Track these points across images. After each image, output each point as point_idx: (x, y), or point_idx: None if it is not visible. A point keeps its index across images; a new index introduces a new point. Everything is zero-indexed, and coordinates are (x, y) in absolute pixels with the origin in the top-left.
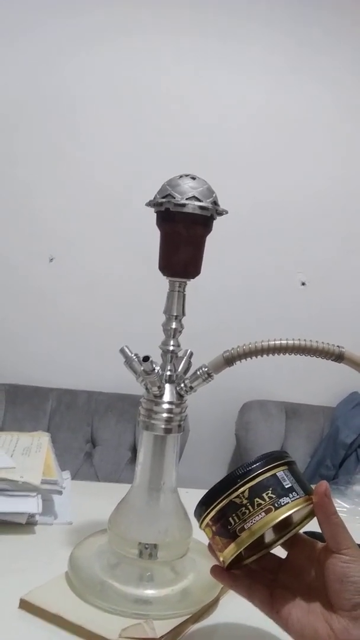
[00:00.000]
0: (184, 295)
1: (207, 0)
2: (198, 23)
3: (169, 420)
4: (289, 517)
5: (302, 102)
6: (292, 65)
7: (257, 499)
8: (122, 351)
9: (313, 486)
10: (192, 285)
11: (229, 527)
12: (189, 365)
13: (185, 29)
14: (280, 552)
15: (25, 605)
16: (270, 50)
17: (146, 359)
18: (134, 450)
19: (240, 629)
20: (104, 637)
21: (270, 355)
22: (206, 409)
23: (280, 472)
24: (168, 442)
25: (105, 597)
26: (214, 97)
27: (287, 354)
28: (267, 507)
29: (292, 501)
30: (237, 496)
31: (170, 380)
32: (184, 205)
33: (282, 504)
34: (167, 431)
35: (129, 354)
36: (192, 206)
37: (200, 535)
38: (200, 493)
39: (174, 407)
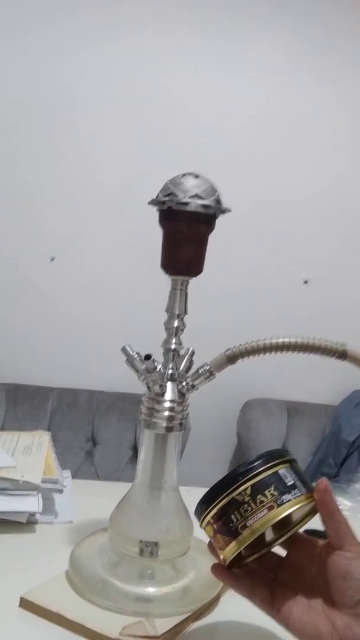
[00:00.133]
0: (186, 294)
1: (207, 0)
2: (198, 23)
3: (170, 419)
4: (290, 515)
5: (303, 102)
6: (293, 65)
7: (260, 497)
8: (123, 350)
9: (314, 484)
10: (194, 284)
11: (231, 524)
12: (190, 363)
13: (186, 29)
14: (280, 551)
15: (25, 604)
16: (271, 50)
17: (148, 357)
18: (135, 449)
19: (241, 627)
20: (105, 635)
21: (273, 353)
22: (208, 407)
23: (282, 470)
24: (169, 441)
25: (106, 595)
26: (215, 97)
27: (290, 352)
28: (270, 505)
29: (294, 498)
30: (239, 494)
31: (172, 378)
32: (186, 203)
33: (285, 501)
34: (169, 429)
35: (131, 352)
36: (194, 204)
37: (201, 534)
38: (202, 491)
39: (175, 405)
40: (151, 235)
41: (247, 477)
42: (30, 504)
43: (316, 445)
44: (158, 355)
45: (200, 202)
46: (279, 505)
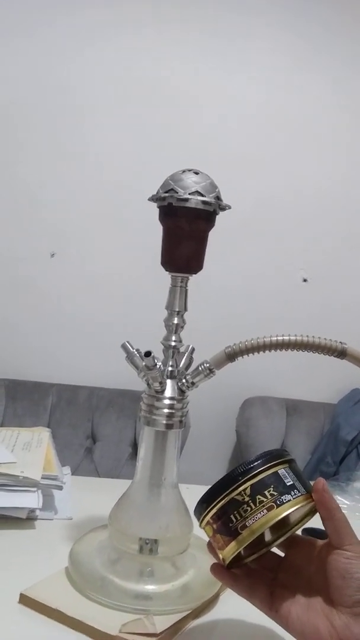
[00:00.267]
0: (186, 291)
1: None
2: (199, 22)
3: (170, 416)
4: (289, 515)
5: (303, 102)
6: (293, 65)
7: (259, 497)
8: (123, 347)
9: (312, 483)
10: (194, 281)
11: (230, 524)
12: (190, 360)
13: (187, 28)
14: (279, 551)
15: (25, 600)
16: (271, 50)
17: (148, 354)
18: (135, 446)
19: (240, 624)
20: (104, 632)
21: (273, 351)
22: (207, 404)
23: (281, 470)
24: (169, 438)
25: (106, 592)
26: (215, 96)
27: (289, 350)
28: (269, 505)
29: (293, 499)
30: (239, 494)
31: (171, 375)
32: (186, 200)
33: (284, 501)
34: (169, 427)
35: (131, 349)
36: (195, 201)
37: (201, 531)
38: (201, 489)
39: (175, 402)
40: (152, 232)
41: (246, 477)
42: (30, 500)
43: (315, 443)
44: (158, 352)
45: (200, 198)
46: (278, 506)
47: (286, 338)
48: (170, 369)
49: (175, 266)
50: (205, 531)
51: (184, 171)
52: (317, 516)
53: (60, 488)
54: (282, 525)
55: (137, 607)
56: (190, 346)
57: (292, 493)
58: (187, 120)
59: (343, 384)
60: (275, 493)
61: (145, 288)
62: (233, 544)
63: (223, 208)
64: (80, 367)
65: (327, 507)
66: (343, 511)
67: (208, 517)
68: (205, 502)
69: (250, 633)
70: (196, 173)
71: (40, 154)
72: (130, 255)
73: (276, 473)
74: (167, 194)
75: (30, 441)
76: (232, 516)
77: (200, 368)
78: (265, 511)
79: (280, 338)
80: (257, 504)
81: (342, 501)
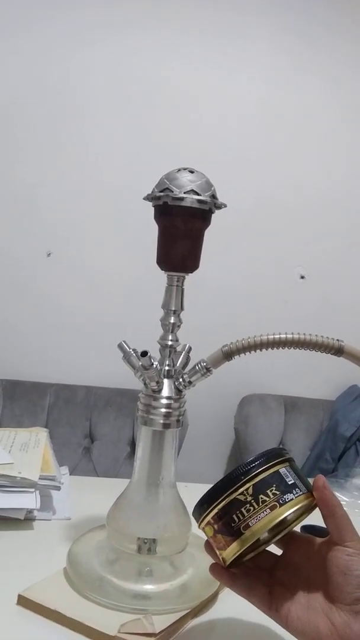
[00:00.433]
0: (182, 290)
1: None
2: (199, 21)
3: (167, 415)
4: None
5: (303, 101)
6: (294, 64)
7: (262, 496)
8: (120, 346)
9: (311, 480)
10: (190, 280)
11: (233, 524)
12: (187, 359)
13: (186, 27)
14: (275, 549)
15: (23, 601)
16: (271, 50)
17: (144, 354)
18: (133, 445)
19: (239, 623)
20: (103, 632)
21: (270, 349)
22: (205, 403)
23: (282, 469)
24: (167, 437)
25: (104, 592)
26: (215, 95)
27: (286, 348)
28: (272, 504)
29: (295, 497)
30: (241, 493)
31: (168, 375)
32: (182, 198)
33: (287, 500)
34: (166, 426)
35: (127, 349)
36: (190, 200)
37: (199, 530)
38: (199, 487)
39: (172, 402)
40: (149, 231)
41: (248, 476)
42: (28, 500)
43: (313, 440)
44: (155, 352)
45: (195, 197)
46: (281, 505)
47: (283, 336)
48: (167, 368)
49: (171, 265)
50: (205, 532)
51: (179, 170)
52: (315, 513)
53: (58, 489)
54: (280, 523)
55: (135, 607)
56: (187, 345)
57: (294, 492)
58: (186, 120)
59: (341, 380)
60: (278, 492)
61: (142, 287)
62: (235, 543)
63: (219, 207)
64: (77, 366)
65: (328, 504)
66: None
67: (209, 518)
68: (205, 503)
69: (249, 632)
70: (191, 172)
71: (39, 154)
72: (128, 255)
73: (277, 472)
74: (162, 193)
75: (27, 442)
76: (234, 516)
77: (197, 367)
78: (268, 510)
79: (277, 336)
80: (260, 504)
81: (341, 498)
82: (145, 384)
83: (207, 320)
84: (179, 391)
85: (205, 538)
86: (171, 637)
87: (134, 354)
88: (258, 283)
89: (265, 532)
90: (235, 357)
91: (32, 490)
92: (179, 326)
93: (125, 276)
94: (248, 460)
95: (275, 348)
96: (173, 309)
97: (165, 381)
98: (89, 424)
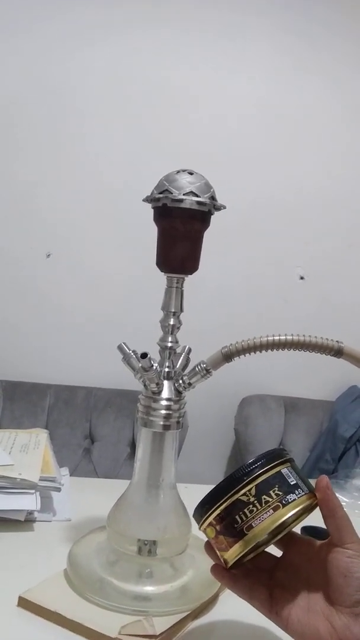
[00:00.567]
0: (181, 292)
1: None
2: (198, 21)
3: (167, 417)
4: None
5: (303, 101)
6: (294, 63)
7: (265, 497)
8: (120, 348)
9: (312, 482)
10: (190, 282)
11: (235, 525)
12: (187, 361)
13: (186, 27)
14: (274, 550)
15: (23, 603)
16: (271, 49)
17: (144, 355)
18: (133, 446)
19: (239, 625)
20: (104, 634)
21: (269, 350)
22: (205, 404)
23: (284, 469)
24: (167, 439)
25: (105, 594)
26: (214, 95)
27: (286, 350)
28: (275, 505)
29: (298, 498)
30: (244, 494)
31: (168, 376)
32: (181, 200)
33: (290, 500)
34: (166, 428)
35: (127, 350)
36: (189, 201)
37: (199, 532)
38: (200, 488)
39: (172, 403)
40: (148, 233)
41: (250, 477)
42: (28, 502)
43: (313, 441)
44: (154, 354)
45: (195, 199)
46: (284, 505)
47: (282, 338)
48: (166, 370)
49: (171, 267)
50: (207, 533)
51: (178, 171)
52: (315, 515)
53: (58, 490)
54: (283, 524)
55: (136, 608)
56: (187, 347)
57: (297, 492)
58: (186, 120)
59: (341, 381)
60: (280, 493)
61: (142, 289)
62: (238, 545)
63: (218, 208)
64: (77, 367)
65: (329, 504)
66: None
67: (210, 519)
68: (207, 504)
69: (249, 633)
70: (190, 173)
71: (38, 154)
72: (128, 256)
73: (279, 473)
74: (161, 195)
75: (28, 443)
76: (237, 517)
77: (197, 369)
78: (271, 511)
79: (276, 338)
80: (263, 504)
81: (342, 498)
82: (145, 385)
83: (206, 322)
84: (178, 393)
85: (206, 539)
86: (171, 639)
87: (134, 356)
88: (257, 284)
89: (267, 533)
90: (234, 358)
91: (33, 491)
92: (178, 328)
93: (125, 277)
94: (249, 461)
95: (274, 349)
96: (173, 310)
97: (165, 383)
98: (89, 425)
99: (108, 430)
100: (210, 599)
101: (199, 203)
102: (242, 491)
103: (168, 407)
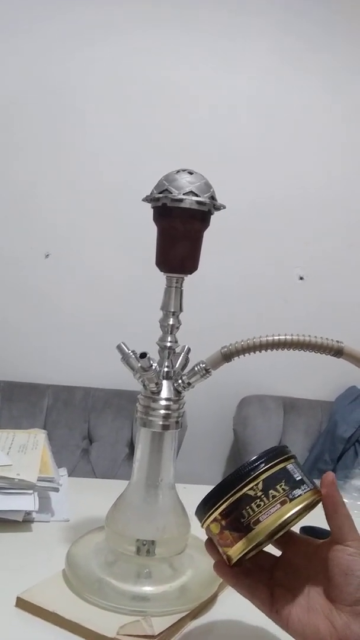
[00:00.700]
0: (181, 291)
1: None
2: (197, 20)
3: (166, 417)
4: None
5: (303, 100)
6: (293, 63)
7: (272, 491)
8: (118, 348)
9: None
10: (189, 281)
11: (242, 520)
12: (186, 361)
13: (187, 26)
14: (273, 550)
15: (22, 603)
16: (270, 49)
17: (143, 355)
18: (131, 447)
19: (238, 625)
20: (102, 634)
21: (269, 350)
22: (204, 404)
23: (289, 465)
24: (166, 439)
25: (103, 594)
26: (213, 95)
27: (285, 350)
28: (282, 499)
29: (304, 493)
30: (251, 488)
31: (167, 376)
32: (181, 200)
33: (296, 495)
34: (165, 428)
35: (126, 350)
36: (189, 201)
37: (198, 531)
38: (199, 488)
39: (171, 403)
40: (148, 232)
41: (258, 472)
42: (27, 502)
43: (312, 441)
44: (154, 353)
45: (194, 198)
46: (291, 500)
47: (282, 337)
48: (166, 369)
49: (170, 267)
50: (210, 529)
51: (178, 171)
52: (314, 514)
53: (56, 490)
54: (290, 519)
55: (134, 608)
56: (186, 346)
57: (302, 487)
58: (186, 119)
59: (340, 381)
60: (287, 487)
61: (141, 288)
62: (244, 539)
63: (218, 208)
64: (76, 367)
65: (333, 501)
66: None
67: (216, 514)
68: (213, 498)
69: (248, 633)
70: (190, 173)
71: (38, 154)
72: (127, 256)
73: (285, 468)
74: (161, 195)
75: (26, 443)
76: (244, 511)
77: (196, 368)
78: (278, 505)
79: (276, 338)
80: (270, 499)
81: None
82: (144, 385)
83: (206, 322)
84: (178, 392)
85: (206, 539)
86: (170, 639)
87: (133, 356)
88: (257, 284)
89: (274, 528)
90: (234, 358)
91: (31, 491)
92: (178, 327)
93: (124, 277)
94: (254, 457)
95: (274, 349)
96: (172, 310)
97: (165, 382)
98: (88, 426)
99: (106, 430)
100: (209, 599)
101: (198, 203)
102: (249, 485)
103: (167, 407)
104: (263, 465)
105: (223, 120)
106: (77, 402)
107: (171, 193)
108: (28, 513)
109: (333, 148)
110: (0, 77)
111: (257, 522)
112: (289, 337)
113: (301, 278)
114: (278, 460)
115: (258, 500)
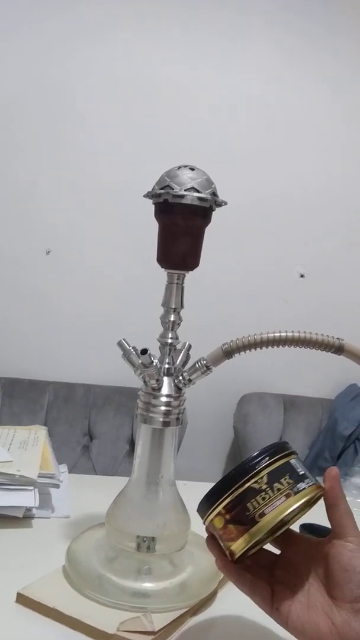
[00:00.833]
0: (182, 288)
1: None
2: (197, 19)
3: (167, 414)
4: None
5: (301, 99)
6: (294, 62)
7: (276, 484)
8: (119, 344)
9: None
10: (190, 278)
11: (247, 513)
12: (187, 357)
13: (185, 25)
14: (271, 548)
15: (22, 599)
16: (270, 48)
17: (144, 351)
18: (132, 443)
19: (238, 621)
20: (102, 630)
21: (270, 347)
22: (204, 401)
23: (292, 460)
24: (166, 435)
25: (103, 590)
26: (213, 93)
27: (286, 347)
28: (287, 492)
29: (308, 487)
30: (256, 482)
31: (168, 373)
32: (182, 196)
33: (300, 489)
34: (166, 424)
35: (127, 347)
36: (191, 197)
37: (199, 528)
38: (199, 485)
39: (172, 400)
40: (148, 229)
41: (262, 465)
42: (27, 498)
43: (312, 439)
44: (154, 350)
45: (196, 194)
46: (295, 493)
47: (283, 334)
48: (166, 366)
49: (171, 263)
50: (214, 524)
51: (179, 167)
52: (314, 513)
53: (57, 486)
54: (294, 512)
55: (134, 605)
56: (187, 343)
57: (306, 482)
58: (186, 118)
59: (340, 379)
60: (291, 481)
61: (142, 285)
62: (249, 533)
63: (219, 204)
64: (76, 364)
65: (335, 495)
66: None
67: (220, 508)
68: (217, 492)
69: (248, 630)
70: (192, 169)
71: (38, 153)
72: (128, 253)
73: (288, 462)
74: (162, 191)
75: (26, 440)
76: (249, 504)
77: (197, 365)
78: (283, 498)
79: (277, 334)
80: (275, 492)
81: None
82: (145, 382)
83: (207, 318)
84: (178, 389)
85: (205, 536)
86: (170, 635)
87: (134, 352)
88: (258, 281)
89: (279, 521)
90: (235, 355)
91: (31, 488)
92: (179, 324)
93: (125, 274)
94: (256, 453)
95: (275, 346)
96: (173, 306)
97: (165, 379)
98: (88, 422)
99: (107, 427)
100: (209, 595)
101: (200, 199)
102: (254, 479)
103: (168, 404)
104: (267, 459)
105: (223, 120)
106: (77, 398)
107: (173, 189)
108: (28, 509)
109: (333, 148)
110: (0, 77)
111: (262, 515)
112: (289, 334)
113: (302, 276)
114: (281, 455)
115: (263, 493)
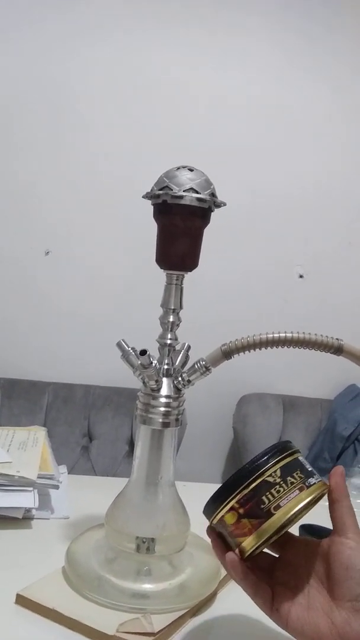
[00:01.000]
0: (181, 288)
1: None
2: (197, 18)
3: (166, 414)
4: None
5: (300, 98)
6: (294, 62)
7: (289, 478)
8: (118, 345)
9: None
10: (189, 278)
11: (262, 506)
12: (186, 358)
13: (186, 26)
14: (268, 552)
15: (21, 600)
16: (270, 47)
17: (143, 352)
18: (131, 444)
19: (237, 622)
20: (102, 632)
21: (269, 348)
22: (204, 402)
23: (300, 457)
24: (165, 436)
25: (103, 591)
26: (213, 92)
27: (285, 347)
28: (300, 485)
29: (317, 482)
30: (270, 475)
31: (167, 374)
32: (181, 197)
33: (311, 483)
34: (165, 425)
35: (126, 347)
36: (189, 198)
37: (198, 529)
38: (198, 486)
39: (171, 400)
40: (148, 229)
41: (275, 459)
42: (26, 499)
43: (312, 439)
44: (154, 351)
45: (195, 195)
46: (307, 487)
47: (282, 335)
48: (166, 367)
49: (170, 264)
50: (225, 520)
51: (178, 168)
52: (311, 513)
53: (56, 487)
54: (307, 506)
55: (134, 606)
56: (186, 344)
57: (315, 477)
58: (185, 118)
59: (340, 379)
60: (302, 475)
61: (141, 286)
62: (265, 526)
63: (218, 205)
64: (76, 365)
65: (340, 493)
66: None
67: (233, 502)
68: (228, 488)
69: (247, 631)
70: (191, 170)
71: (38, 153)
72: (127, 254)
73: (297, 459)
74: (161, 192)
75: (26, 440)
76: (264, 497)
77: (196, 366)
78: (297, 491)
79: (276, 335)
80: (289, 484)
81: None
82: (144, 382)
83: (206, 319)
84: (178, 390)
85: (203, 536)
86: (170, 637)
87: (133, 353)
88: (257, 282)
89: (293, 513)
90: (234, 355)
91: (31, 489)
92: (178, 325)
93: (124, 274)
94: (266, 449)
95: (274, 347)
96: (172, 307)
97: (164, 380)
98: (88, 423)
99: (106, 428)
100: (209, 596)
101: (199, 200)
102: (268, 472)
103: (167, 405)
104: (278, 454)
105: (223, 119)
106: (77, 399)
107: (171, 190)
108: (28, 510)
109: (333, 148)
110: (0, 77)
111: (278, 507)
112: (289, 335)
113: (301, 276)
114: (289, 452)
115: (277, 486)
